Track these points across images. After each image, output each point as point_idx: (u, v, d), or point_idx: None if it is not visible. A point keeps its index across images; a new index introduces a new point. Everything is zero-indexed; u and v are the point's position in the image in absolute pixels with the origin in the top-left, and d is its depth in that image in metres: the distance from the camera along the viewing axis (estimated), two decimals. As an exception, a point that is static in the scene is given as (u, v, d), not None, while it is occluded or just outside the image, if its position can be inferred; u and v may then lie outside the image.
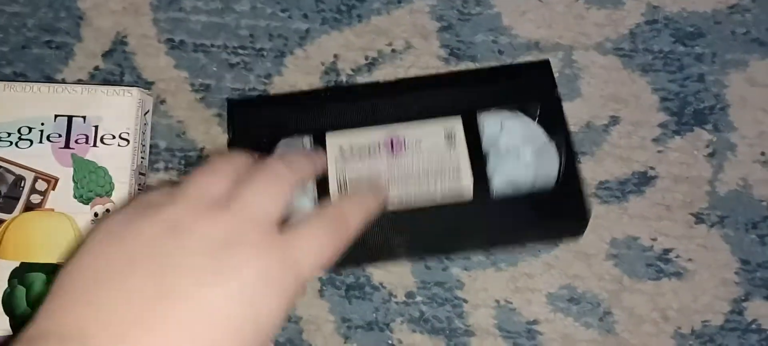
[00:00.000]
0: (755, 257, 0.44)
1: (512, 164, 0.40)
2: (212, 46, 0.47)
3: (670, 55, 0.45)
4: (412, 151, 0.39)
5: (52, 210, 0.42)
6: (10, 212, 0.42)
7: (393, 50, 0.46)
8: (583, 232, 0.42)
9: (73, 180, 0.42)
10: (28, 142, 0.42)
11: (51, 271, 0.41)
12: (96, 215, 0.42)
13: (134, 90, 0.43)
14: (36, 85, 0.43)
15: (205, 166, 0.32)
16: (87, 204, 0.42)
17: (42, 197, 0.42)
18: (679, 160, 0.45)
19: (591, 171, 0.45)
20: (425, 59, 0.46)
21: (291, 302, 0.29)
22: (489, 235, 0.41)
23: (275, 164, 0.33)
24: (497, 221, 0.40)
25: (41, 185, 0.42)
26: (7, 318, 0.40)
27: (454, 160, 0.39)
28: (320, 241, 0.31)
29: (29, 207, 0.42)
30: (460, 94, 0.41)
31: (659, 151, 0.45)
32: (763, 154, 0.45)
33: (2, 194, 0.42)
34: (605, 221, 0.45)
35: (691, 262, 0.44)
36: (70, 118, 0.43)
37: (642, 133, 0.45)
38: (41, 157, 0.42)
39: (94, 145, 0.43)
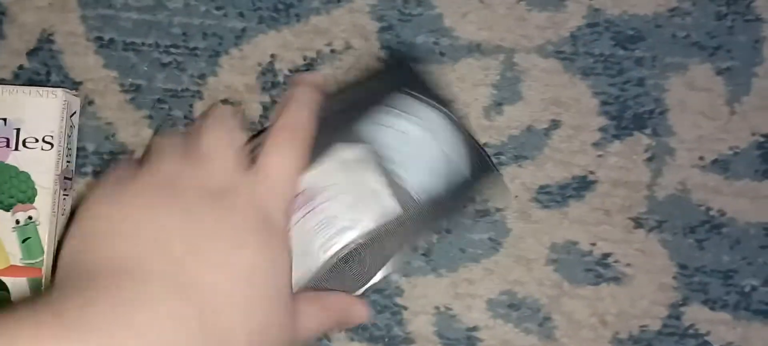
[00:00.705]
0: (693, 261, 0.45)
1: (418, 156, 0.39)
2: (143, 44, 0.46)
3: (611, 59, 0.46)
4: (323, 198, 0.38)
5: None
6: None
7: (332, 51, 0.46)
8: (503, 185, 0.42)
9: None
10: None
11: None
12: (17, 222, 0.40)
13: (59, 91, 0.42)
14: None
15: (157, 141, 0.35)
16: (8, 211, 0.40)
17: None
18: (618, 165, 0.45)
19: (532, 176, 0.45)
20: (366, 60, 0.46)
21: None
22: (431, 228, 0.40)
23: (213, 115, 0.36)
24: (432, 214, 0.39)
25: None
26: None
27: (366, 185, 0.38)
28: (285, 157, 0.34)
29: None
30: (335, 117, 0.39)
31: (599, 156, 0.45)
32: (701, 158, 0.45)
33: None
34: (546, 226, 0.45)
35: (629, 267, 0.45)
36: None
37: (582, 138, 0.45)
38: None
39: (16, 148, 0.41)
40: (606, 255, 0.45)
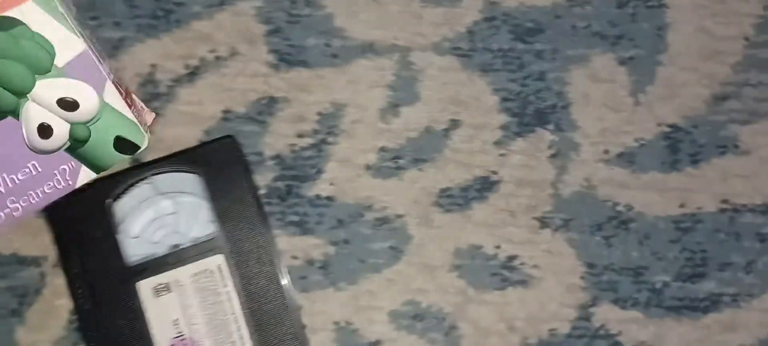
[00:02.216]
0: (601, 259, 0.44)
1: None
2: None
3: (510, 53, 0.45)
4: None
5: None
6: None
7: (217, 57, 0.44)
8: None
9: None
10: None
11: None
12: None
13: None
14: None
15: None
16: None
17: None
18: (521, 163, 0.45)
19: (432, 179, 0.44)
20: (253, 66, 0.44)
21: None
22: None
23: None
24: None
25: None
26: None
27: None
28: None
29: None
30: None
31: (501, 155, 0.44)
32: (606, 152, 0.45)
33: None
34: (448, 231, 0.44)
35: (536, 268, 0.44)
36: None
37: (483, 137, 0.45)
38: None
39: None
40: (511, 258, 0.44)
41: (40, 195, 0.37)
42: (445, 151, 0.45)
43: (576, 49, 0.46)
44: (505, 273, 0.44)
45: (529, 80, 0.45)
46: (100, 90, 0.36)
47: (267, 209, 0.44)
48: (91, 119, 0.37)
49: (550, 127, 0.45)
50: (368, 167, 0.45)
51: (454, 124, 0.45)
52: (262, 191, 0.44)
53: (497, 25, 0.45)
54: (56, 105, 0.36)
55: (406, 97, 0.45)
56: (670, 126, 0.45)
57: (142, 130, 0.37)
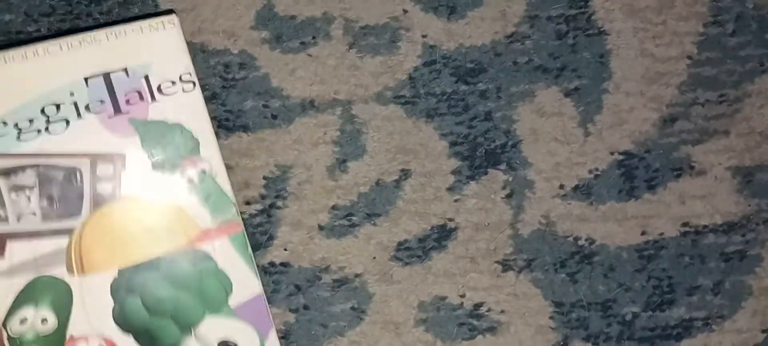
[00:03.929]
0: (568, 296, 0.44)
1: None
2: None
3: (454, 96, 0.45)
4: None
5: (132, 197, 0.35)
6: (77, 214, 0.34)
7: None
8: None
9: (143, 149, 0.35)
10: (64, 123, 0.34)
11: (160, 265, 0.34)
12: (191, 180, 0.36)
13: (172, 17, 0.37)
14: (40, 46, 0.35)
15: None
16: (174, 172, 0.36)
17: (112, 184, 0.35)
18: (477, 207, 0.44)
19: (388, 233, 0.44)
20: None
21: None
22: None
23: None
24: None
25: (105, 170, 0.35)
26: (131, 335, 0.34)
27: None
28: None
29: (100, 202, 0.34)
30: None
31: (456, 200, 0.44)
32: (561, 186, 0.45)
33: (56, 198, 0.34)
34: (409, 285, 0.44)
35: (503, 313, 0.44)
36: (106, 75, 0.35)
37: (436, 184, 0.44)
38: (89, 135, 0.35)
39: (153, 99, 0.36)
40: (477, 305, 0.44)
41: None
42: (398, 202, 0.44)
43: (520, 85, 0.46)
44: (473, 322, 0.43)
45: (476, 122, 0.45)
46: (265, 335, 0.37)
47: (217, 283, 0.43)
48: None
49: (503, 167, 0.45)
50: (321, 228, 0.44)
51: (405, 174, 0.45)
52: (211, 265, 0.43)
53: (438, 69, 0.46)
54: (215, 343, 0.36)
55: (352, 152, 0.45)
56: (623, 153, 0.46)
57: None
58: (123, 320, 0.34)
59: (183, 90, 0.37)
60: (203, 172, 0.37)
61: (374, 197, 0.44)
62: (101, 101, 0.36)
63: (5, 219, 0.34)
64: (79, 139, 0.35)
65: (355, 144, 0.45)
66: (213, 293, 0.36)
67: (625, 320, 0.44)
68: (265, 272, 0.43)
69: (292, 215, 0.44)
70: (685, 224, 0.45)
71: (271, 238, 0.43)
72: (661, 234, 0.45)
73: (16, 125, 0.34)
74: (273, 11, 0.45)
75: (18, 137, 0.34)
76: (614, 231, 0.45)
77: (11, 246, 0.34)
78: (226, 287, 0.36)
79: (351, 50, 0.45)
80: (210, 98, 0.44)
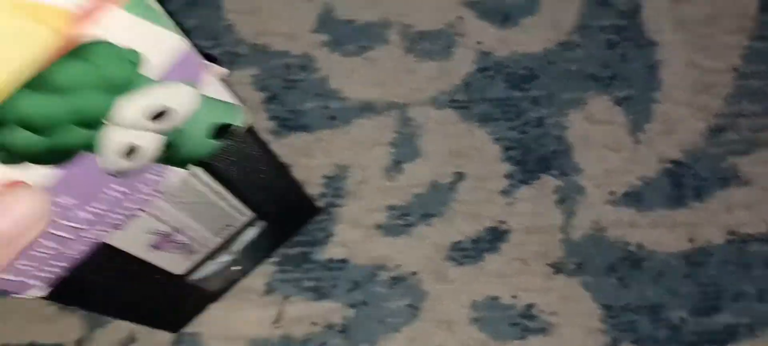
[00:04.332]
0: (617, 300, 0.45)
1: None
2: None
3: (507, 102, 0.46)
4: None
5: None
6: None
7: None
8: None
9: None
10: None
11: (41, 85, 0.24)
12: None
13: None
14: None
15: None
16: None
17: None
18: (529, 211, 0.46)
19: (442, 233, 0.45)
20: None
21: None
22: None
23: None
24: None
25: None
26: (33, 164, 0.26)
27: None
28: None
29: None
30: None
31: (508, 204, 0.45)
32: (612, 193, 0.46)
33: None
34: (463, 284, 0.45)
35: (554, 315, 0.45)
36: None
37: (489, 187, 0.46)
38: None
39: None
40: (529, 306, 0.45)
41: (124, 214, 0.31)
42: (453, 204, 0.46)
43: (571, 92, 0.47)
44: (525, 322, 0.45)
45: (528, 127, 0.47)
46: (197, 82, 0.28)
47: (282, 276, 0.44)
48: (187, 119, 0.29)
49: (554, 172, 0.46)
50: (378, 227, 0.45)
51: (459, 176, 0.46)
52: (276, 259, 0.44)
53: (492, 75, 0.47)
54: (145, 119, 0.28)
55: (408, 154, 0.46)
56: (672, 162, 0.47)
57: (240, 107, 0.29)
58: (17, 157, 0.26)
59: None
60: None
61: (429, 198, 0.45)
62: None
63: None
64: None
65: (410, 146, 0.46)
66: (116, 74, 0.27)
67: (673, 324, 0.45)
68: (325, 268, 0.44)
69: (350, 214, 0.45)
70: (731, 233, 0.46)
71: (330, 235, 0.45)
72: (708, 241, 0.46)
73: None
74: (332, 15, 0.46)
75: None
76: (663, 238, 0.46)
77: None
78: (134, 59, 0.27)
79: (408, 55, 0.47)
80: (271, 99, 0.46)
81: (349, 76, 0.46)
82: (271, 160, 0.37)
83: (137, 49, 0.27)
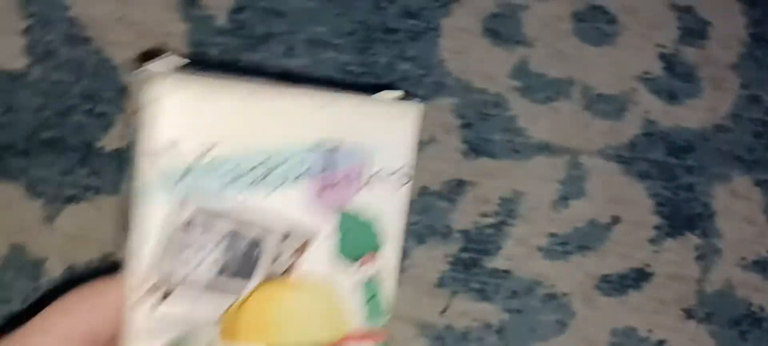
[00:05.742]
0: (738, 351, 0.53)
1: None
2: None
3: (664, 165, 0.55)
4: None
5: (301, 279, 0.32)
6: (247, 278, 0.32)
7: (418, 142, 0.54)
8: None
9: (333, 236, 0.32)
10: (274, 184, 0.31)
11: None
12: (362, 278, 0.33)
13: (418, 106, 0.33)
14: (289, 97, 0.31)
15: None
16: (350, 267, 0.33)
17: (290, 261, 0.32)
18: (671, 260, 0.54)
19: (595, 265, 0.53)
20: (448, 152, 0.54)
21: None
22: None
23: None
24: None
25: (290, 246, 0.32)
26: None
27: None
28: None
29: (272, 274, 0.32)
30: None
31: (655, 251, 0.54)
32: (743, 259, 0.54)
33: (238, 256, 0.31)
34: (607, 312, 0.53)
35: (682, 353, 0.53)
36: (335, 147, 0.31)
37: (640, 234, 0.54)
38: (291, 206, 0.31)
39: (366, 184, 0.32)
40: (661, 342, 0.53)
41: None
42: (607, 242, 0.54)
43: (720, 168, 0.56)
44: (656, 354, 0.53)
45: (680, 190, 0.55)
46: None
47: (454, 274, 0.53)
48: None
49: (697, 232, 0.55)
50: (540, 249, 0.54)
51: (615, 220, 0.55)
52: (449, 260, 0.53)
53: (654, 141, 0.56)
54: None
55: (574, 192, 0.55)
56: (799, 242, 0.55)
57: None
58: None
59: (395, 184, 0.33)
60: (376, 273, 0.34)
61: (587, 233, 0.54)
62: (322, 169, 0.31)
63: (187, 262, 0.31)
64: (279, 207, 0.31)
65: (577, 186, 0.55)
66: None
67: (783, 381, 0.53)
68: (490, 275, 0.53)
69: (518, 233, 0.54)
70: (844, 313, 0.54)
71: (498, 248, 0.54)
72: (822, 317, 0.54)
73: (237, 167, 0.30)
74: (527, 67, 0.56)
75: (233, 181, 0.30)
76: (784, 305, 0.54)
77: (180, 290, 0.31)
78: None
79: (585, 110, 0.56)
80: (466, 125, 0.55)
81: (534, 119, 0.55)
82: None
83: None
